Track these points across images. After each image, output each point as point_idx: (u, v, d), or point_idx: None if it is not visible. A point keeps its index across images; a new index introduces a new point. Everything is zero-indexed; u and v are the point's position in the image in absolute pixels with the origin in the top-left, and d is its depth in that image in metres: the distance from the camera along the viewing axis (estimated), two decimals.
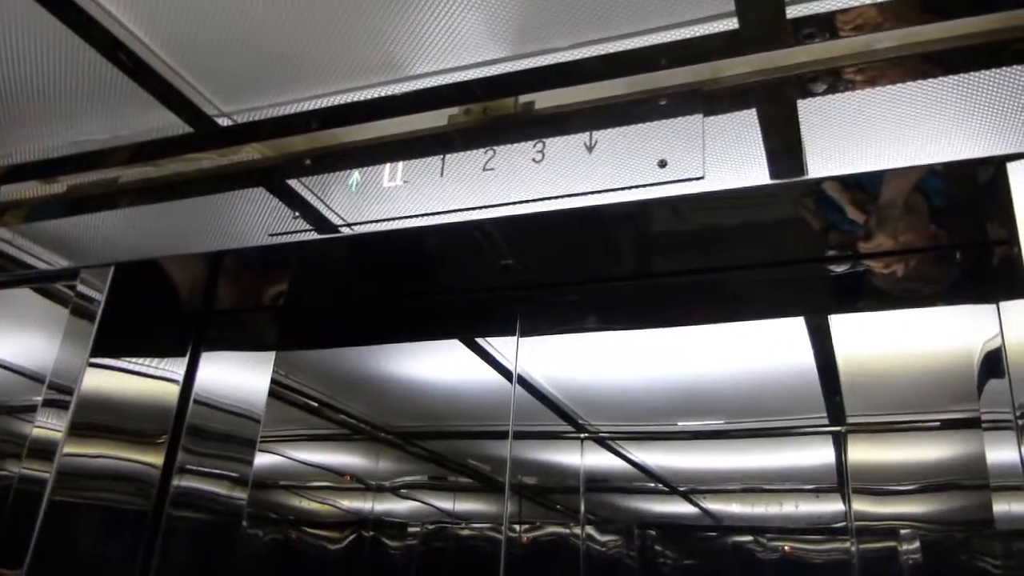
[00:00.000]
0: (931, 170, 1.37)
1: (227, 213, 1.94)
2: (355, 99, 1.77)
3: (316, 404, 2.17)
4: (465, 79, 1.68)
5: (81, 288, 2.02)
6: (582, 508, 1.73)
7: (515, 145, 1.66)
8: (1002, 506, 1.41)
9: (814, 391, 1.65)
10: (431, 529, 1.87)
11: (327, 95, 1.78)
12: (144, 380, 2.07)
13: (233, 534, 2.03)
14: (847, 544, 1.49)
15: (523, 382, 1.90)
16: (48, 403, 1.90)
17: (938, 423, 1.54)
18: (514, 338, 1.94)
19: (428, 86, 1.71)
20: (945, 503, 1.47)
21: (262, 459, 2.09)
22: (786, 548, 1.55)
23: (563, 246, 1.83)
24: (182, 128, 1.90)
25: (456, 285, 2.11)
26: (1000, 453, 1.44)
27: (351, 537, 1.94)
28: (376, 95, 1.75)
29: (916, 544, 1.45)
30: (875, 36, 1.44)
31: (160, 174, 2.07)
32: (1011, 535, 1.38)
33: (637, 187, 1.48)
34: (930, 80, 1.40)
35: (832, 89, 1.46)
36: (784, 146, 1.46)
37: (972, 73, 1.37)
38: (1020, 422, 1.38)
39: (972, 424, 1.49)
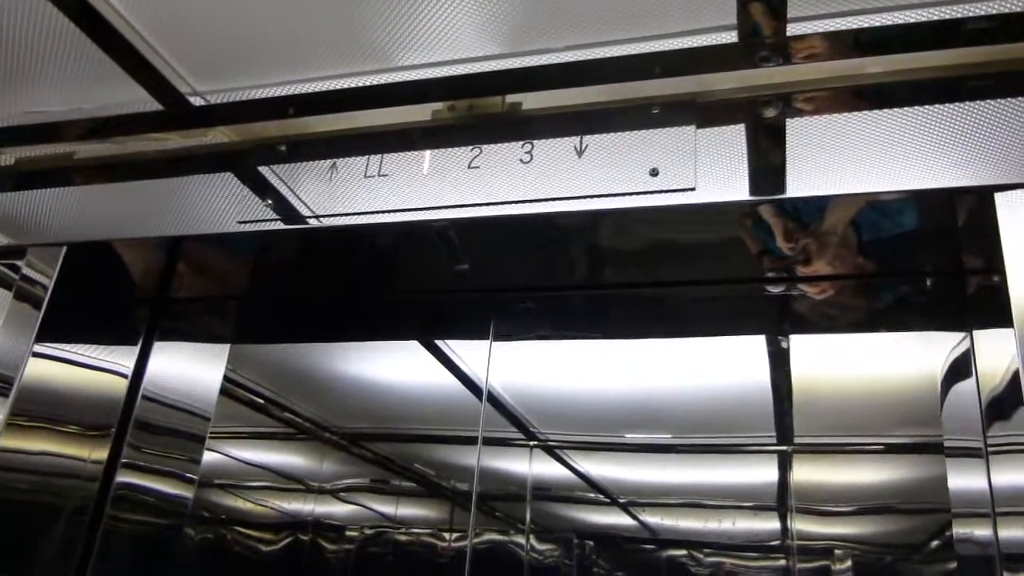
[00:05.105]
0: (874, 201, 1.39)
1: (191, 197, 1.84)
2: (337, 87, 1.71)
3: (267, 403, 2.09)
4: (452, 74, 1.64)
5: (26, 271, 1.90)
6: (528, 516, 1.70)
7: (502, 145, 1.62)
8: (962, 530, 1.42)
9: (765, 410, 1.65)
10: (381, 535, 1.81)
11: (307, 81, 1.71)
12: (91, 371, 1.98)
13: (177, 533, 1.94)
14: (785, 562, 1.50)
15: (477, 388, 1.86)
16: None
17: (883, 447, 1.55)
18: (486, 341, 1.90)
19: (413, 78, 1.66)
20: (893, 526, 1.48)
21: (210, 457, 2.01)
22: (724, 564, 1.55)
23: (526, 253, 1.80)
24: (150, 104, 1.80)
25: (424, 286, 2.06)
26: (962, 479, 1.46)
27: (295, 539, 1.87)
28: (359, 84, 1.69)
29: (849, 564, 1.46)
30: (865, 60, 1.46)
31: (121, 152, 1.97)
32: (971, 559, 1.40)
33: (628, 195, 1.46)
34: (916, 108, 1.41)
35: (816, 111, 1.46)
36: (768, 164, 1.46)
37: (956, 104, 1.38)
38: (989, 449, 1.40)
39: (931, 449, 1.50)
